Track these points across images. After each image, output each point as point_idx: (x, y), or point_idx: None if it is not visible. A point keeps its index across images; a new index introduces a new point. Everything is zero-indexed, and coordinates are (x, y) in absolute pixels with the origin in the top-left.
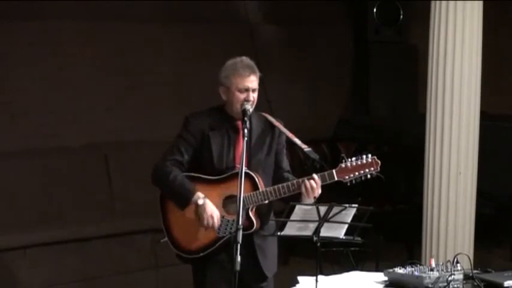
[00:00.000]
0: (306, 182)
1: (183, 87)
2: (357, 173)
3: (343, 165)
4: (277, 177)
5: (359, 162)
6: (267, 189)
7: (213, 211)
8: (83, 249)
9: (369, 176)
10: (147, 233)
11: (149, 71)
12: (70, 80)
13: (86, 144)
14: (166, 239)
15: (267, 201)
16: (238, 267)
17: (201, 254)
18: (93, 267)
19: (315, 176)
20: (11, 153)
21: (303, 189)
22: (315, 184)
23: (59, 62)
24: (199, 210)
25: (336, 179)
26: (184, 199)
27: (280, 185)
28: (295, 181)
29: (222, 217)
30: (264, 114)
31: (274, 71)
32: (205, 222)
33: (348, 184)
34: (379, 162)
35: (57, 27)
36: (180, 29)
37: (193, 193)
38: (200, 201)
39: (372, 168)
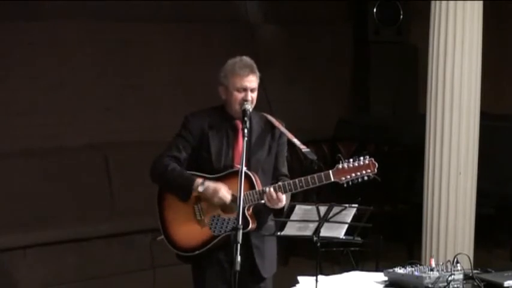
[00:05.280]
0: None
1: (183, 87)
2: (353, 175)
3: (340, 166)
4: (275, 179)
5: (356, 164)
6: (264, 189)
7: (217, 189)
8: (83, 249)
9: (365, 178)
10: (147, 233)
11: (149, 71)
12: (70, 80)
13: (86, 144)
14: (162, 237)
15: (263, 201)
16: (238, 267)
17: (197, 252)
18: (93, 267)
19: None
20: (11, 153)
21: (265, 198)
22: (274, 194)
23: (58, 62)
24: (205, 195)
25: (333, 179)
26: (186, 190)
27: (276, 185)
28: (291, 181)
29: (218, 216)
30: (264, 114)
31: (274, 71)
32: (218, 202)
33: (345, 185)
34: (377, 164)
35: (57, 27)
36: (180, 29)
37: (193, 181)
38: (200, 189)
39: (369, 170)
